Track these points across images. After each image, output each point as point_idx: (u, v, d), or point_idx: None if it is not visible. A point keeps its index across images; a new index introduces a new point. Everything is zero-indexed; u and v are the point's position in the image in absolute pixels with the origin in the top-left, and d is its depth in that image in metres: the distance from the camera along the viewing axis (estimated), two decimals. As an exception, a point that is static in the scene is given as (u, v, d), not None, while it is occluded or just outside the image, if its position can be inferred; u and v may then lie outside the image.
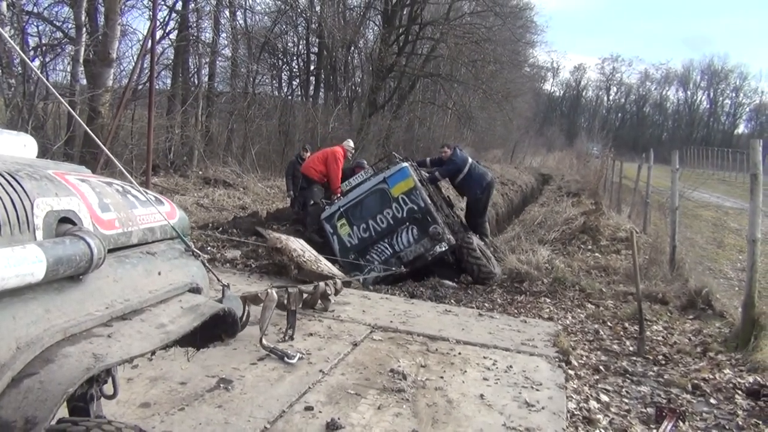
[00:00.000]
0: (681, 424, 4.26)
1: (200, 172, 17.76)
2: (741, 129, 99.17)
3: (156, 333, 1.61)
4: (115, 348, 1.45)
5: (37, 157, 2.17)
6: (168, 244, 2.03)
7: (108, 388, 2.23)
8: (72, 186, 1.69)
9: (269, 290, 5.08)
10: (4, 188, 1.43)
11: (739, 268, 12.55)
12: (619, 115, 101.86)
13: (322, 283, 6.33)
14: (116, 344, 1.47)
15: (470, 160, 11.03)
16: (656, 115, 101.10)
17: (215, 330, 2.01)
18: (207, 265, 2.15)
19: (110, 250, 1.62)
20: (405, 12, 27.86)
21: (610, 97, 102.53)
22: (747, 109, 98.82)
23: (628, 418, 4.42)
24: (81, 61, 14.48)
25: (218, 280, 2.16)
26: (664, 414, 4.34)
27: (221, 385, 4.26)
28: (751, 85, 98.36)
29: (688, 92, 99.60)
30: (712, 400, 4.78)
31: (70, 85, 14.71)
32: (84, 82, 15.10)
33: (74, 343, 1.41)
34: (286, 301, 5.31)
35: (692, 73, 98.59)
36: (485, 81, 29.75)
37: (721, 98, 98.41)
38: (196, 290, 2.02)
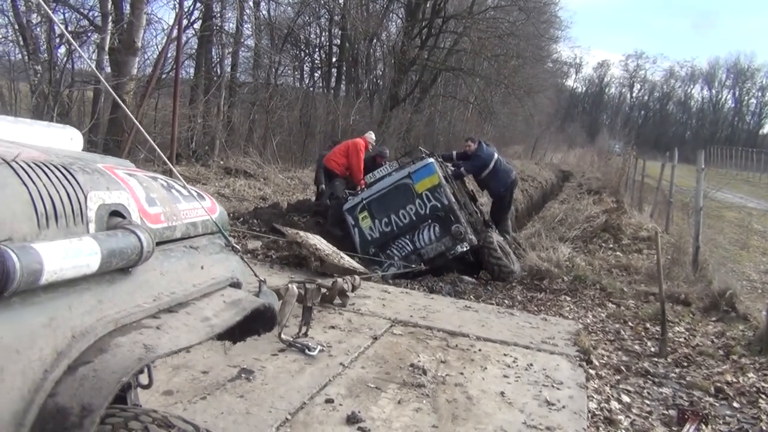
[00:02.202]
0: (703, 427, 4.26)
1: (221, 162, 17.88)
2: (766, 129, 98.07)
3: (201, 326, 1.64)
4: (164, 339, 1.49)
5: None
6: (209, 239, 2.07)
7: (143, 378, 2.28)
8: (121, 180, 1.73)
9: (290, 285, 5.11)
10: (60, 182, 1.47)
11: (763, 271, 12.48)
12: (642, 112, 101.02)
13: (340, 280, 6.35)
14: (165, 336, 1.50)
15: (496, 155, 10.99)
16: (680, 114, 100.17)
17: (253, 324, 2.05)
18: (245, 260, 2.19)
19: (156, 244, 1.66)
20: (428, 5, 27.77)
21: (634, 95, 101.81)
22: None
23: (650, 419, 4.41)
24: (106, 49, 14.62)
25: (255, 275, 2.20)
26: (686, 417, 4.34)
27: (243, 375, 4.30)
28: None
29: (713, 91, 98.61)
30: (735, 404, 4.76)
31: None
32: (108, 70, 15.26)
33: (125, 333, 1.45)
34: (300, 298, 5.33)
35: (718, 71, 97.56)
36: (507, 76, 29.58)
37: (746, 97, 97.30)
38: (236, 285, 2.06)
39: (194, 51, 20.58)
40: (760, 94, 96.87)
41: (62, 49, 14.74)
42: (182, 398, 3.86)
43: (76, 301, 1.38)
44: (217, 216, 2.13)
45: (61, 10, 15.60)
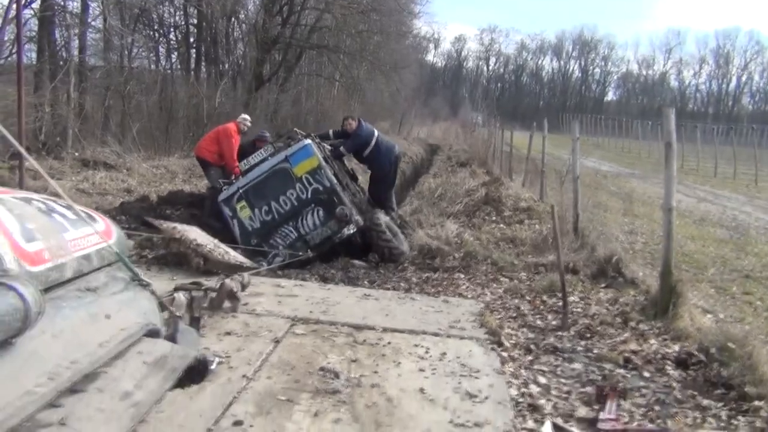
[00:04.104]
0: (623, 402, 4.22)
1: (77, 154, 16.47)
2: (610, 96, 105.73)
3: (123, 408, 1.20)
4: (74, 442, 1.04)
5: None
6: (108, 273, 1.59)
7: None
8: (-17, 210, 1.24)
9: (176, 295, 4.53)
10: None
11: (627, 231, 13.07)
12: (499, 84, 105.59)
13: (227, 280, 5.77)
14: (75, 435, 1.06)
15: (376, 132, 10.71)
16: (533, 84, 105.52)
17: (180, 381, 1.61)
18: (157, 294, 1.73)
19: (41, 291, 1.19)
20: (288, -20, 27.00)
21: (490, 68, 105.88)
22: (615, 77, 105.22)
23: (570, 400, 4.30)
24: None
25: (170, 311, 1.75)
26: (604, 393, 4.28)
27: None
28: (618, 54, 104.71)
29: (562, 62, 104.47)
30: (645, 374, 4.76)
31: None
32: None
33: (16, 441, 0.99)
34: (188, 307, 4.72)
35: (565, 43, 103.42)
36: (371, 52, 29.53)
37: (591, 67, 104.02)
38: (153, 333, 1.60)
39: (35, 34, 18.75)
40: (603, 63, 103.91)
41: None
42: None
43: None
44: (114, 241, 1.65)
45: None
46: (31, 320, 1.11)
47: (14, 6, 10.41)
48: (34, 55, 19.26)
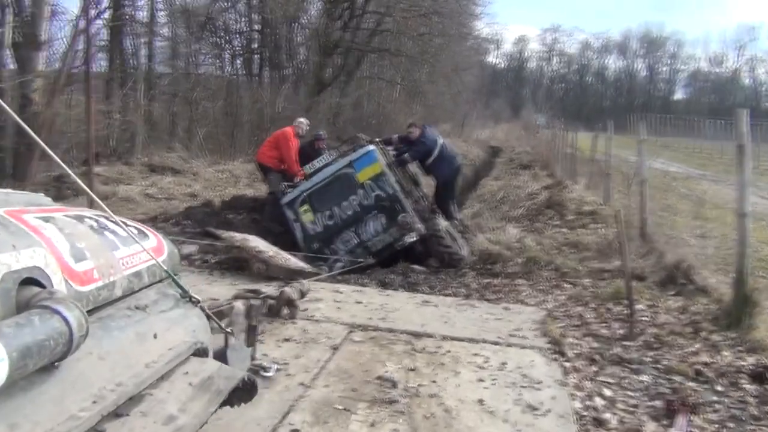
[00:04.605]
0: (694, 417, 4.03)
1: (145, 159, 17.00)
2: (679, 95, 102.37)
3: (165, 432, 1.19)
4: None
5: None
6: (158, 290, 1.58)
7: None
8: (33, 231, 1.23)
9: (234, 304, 4.58)
10: None
11: (698, 235, 12.58)
12: (562, 85, 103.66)
13: (287, 288, 5.80)
14: (117, 465, 1.04)
15: (440, 140, 10.59)
16: (598, 84, 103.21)
17: (229, 400, 1.59)
18: (207, 311, 1.72)
19: (90, 311, 1.17)
20: (350, -15, 27.18)
21: (553, 68, 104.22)
22: (684, 75, 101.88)
23: (637, 414, 4.13)
24: (5, 43, 13.46)
25: (220, 327, 1.74)
26: (674, 408, 4.10)
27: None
28: (686, 52, 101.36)
29: (627, 60, 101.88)
30: (718, 387, 4.54)
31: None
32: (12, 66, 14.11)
33: (57, 473, 0.98)
34: (246, 315, 4.75)
35: (630, 41, 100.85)
36: (432, 54, 29.42)
37: (658, 65, 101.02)
38: (201, 352, 1.59)
39: (106, 43, 19.44)
40: (671, 61, 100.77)
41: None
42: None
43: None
44: (165, 257, 1.65)
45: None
46: (75, 344, 1.10)
47: (84, 18, 10.73)
48: (105, 63, 20.00)
